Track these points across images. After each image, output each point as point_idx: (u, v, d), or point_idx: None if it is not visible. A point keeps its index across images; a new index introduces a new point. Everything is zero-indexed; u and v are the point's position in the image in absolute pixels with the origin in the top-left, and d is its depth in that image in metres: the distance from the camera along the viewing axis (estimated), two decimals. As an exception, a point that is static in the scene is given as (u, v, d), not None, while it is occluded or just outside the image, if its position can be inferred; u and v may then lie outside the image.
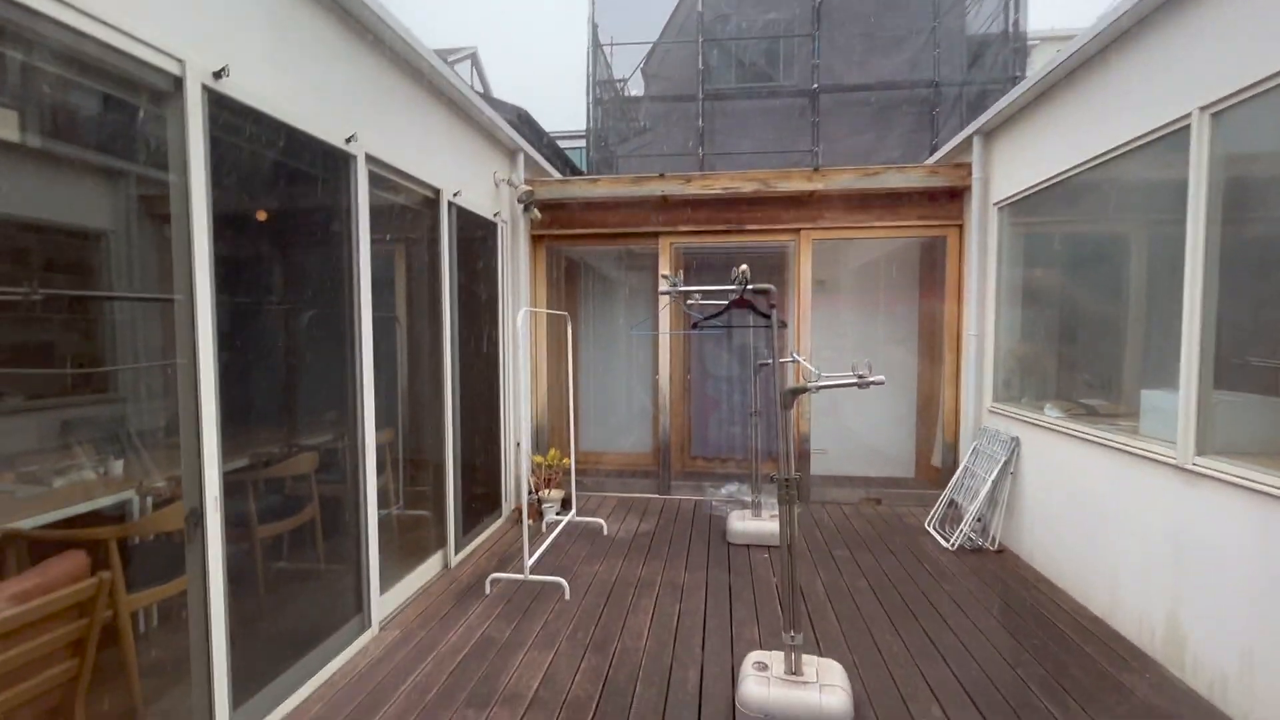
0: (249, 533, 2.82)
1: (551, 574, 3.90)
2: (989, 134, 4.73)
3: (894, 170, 5.17)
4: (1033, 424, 4.14)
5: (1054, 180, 3.90)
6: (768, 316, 2.56)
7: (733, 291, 2.65)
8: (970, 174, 4.87)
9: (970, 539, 4.38)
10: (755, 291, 2.60)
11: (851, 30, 10.13)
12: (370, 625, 3.18)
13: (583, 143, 15.78)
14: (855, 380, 2.48)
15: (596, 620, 3.37)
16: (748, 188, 5.31)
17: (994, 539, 4.38)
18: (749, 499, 4.94)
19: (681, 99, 10.75)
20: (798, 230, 5.48)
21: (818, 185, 5.20)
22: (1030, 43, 10.47)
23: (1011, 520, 4.35)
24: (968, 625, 3.30)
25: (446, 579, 3.92)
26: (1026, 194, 4.25)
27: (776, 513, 4.70)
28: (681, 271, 2.71)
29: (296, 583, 3.13)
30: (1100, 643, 3.11)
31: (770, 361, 4.78)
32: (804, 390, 2.46)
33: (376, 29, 3.17)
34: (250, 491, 2.79)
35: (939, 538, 4.58)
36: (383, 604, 3.33)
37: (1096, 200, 3.77)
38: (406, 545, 3.92)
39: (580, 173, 12.07)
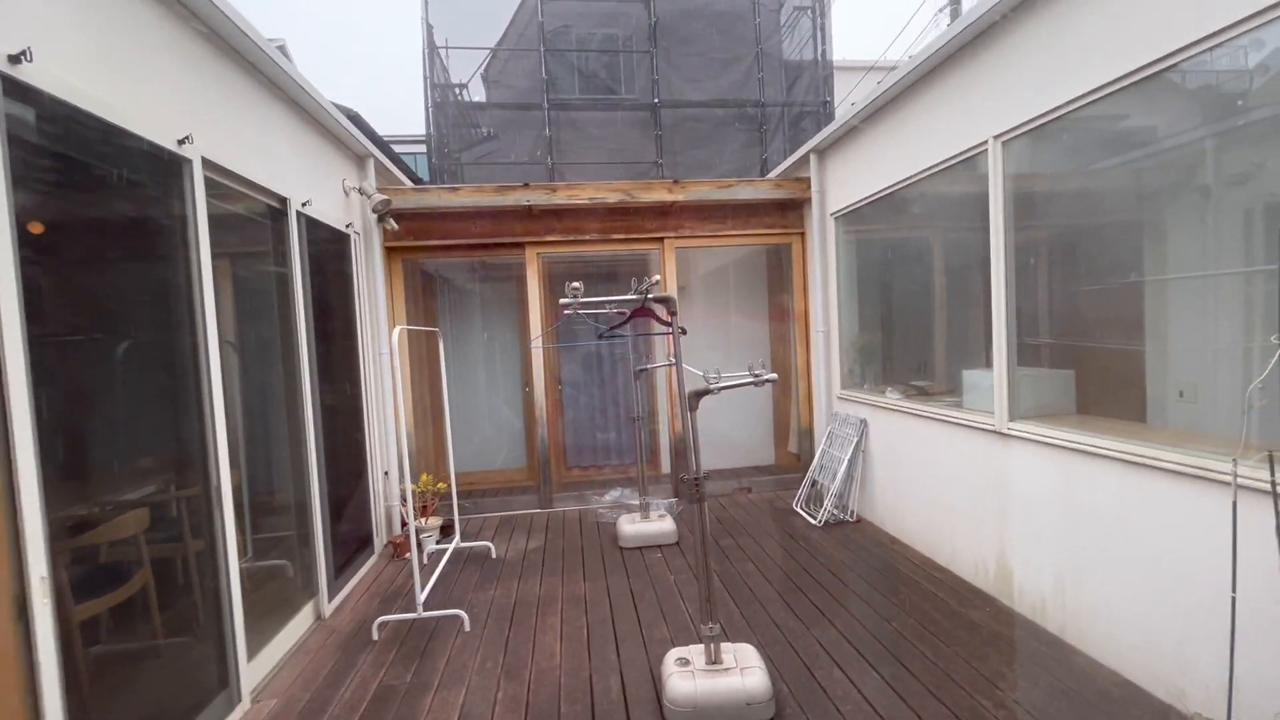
0: (67, 615, 2.31)
1: (445, 607, 3.67)
2: (822, 152, 5.32)
3: (745, 183, 5.61)
4: (876, 406, 4.73)
5: (881, 194, 4.50)
6: (669, 324, 2.67)
7: (635, 301, 2.71)
8: (809, 187, 5.44)
9: (833, 514, 4.88)
10: (656, 300, 2.70)
11: (685, 50, 10.77)
12: (241, 699, 2.76)
13: (420, 148, 15.00)
14: (752, 379, 2.67)
15: (504, 647, 3.24)
16: (612, 198, 5.43)
17: (852, 511, 4.93)
18: (636, 502, 5.04)
19: (527, 107, 10.66)
20: (661, 239, 5.71)
21: (678, 196, 5.47)
22: (836, 69, 11.87)
23: (865, 493, 4.92)
24: (844, 590, 3.68)
25: (324, 631, 3.52)
26: (858, 205, 4.85)
27: (665, 512, 4.86)
28: (581, 284, 2.70)
29: (140, 666, 2.62)
30: (949, 588, 3.65)
31: (647, 367, 4.94)
32: (708, 392, 2.60)
33: (204, 12, 2.77)
34: (73, 561, 2.28)
35: (807, 516, 5.04)
36: (252, 672, 2.90)
37: (917, 210, 4.42)
38: (268, 601, 3.44)
39: (420, 181, 11.44)
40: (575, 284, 2.77)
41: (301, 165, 3.87)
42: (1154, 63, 2.46)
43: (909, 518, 4.36)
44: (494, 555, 4.60)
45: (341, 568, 4.07)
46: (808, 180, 5.46)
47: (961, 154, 3.59)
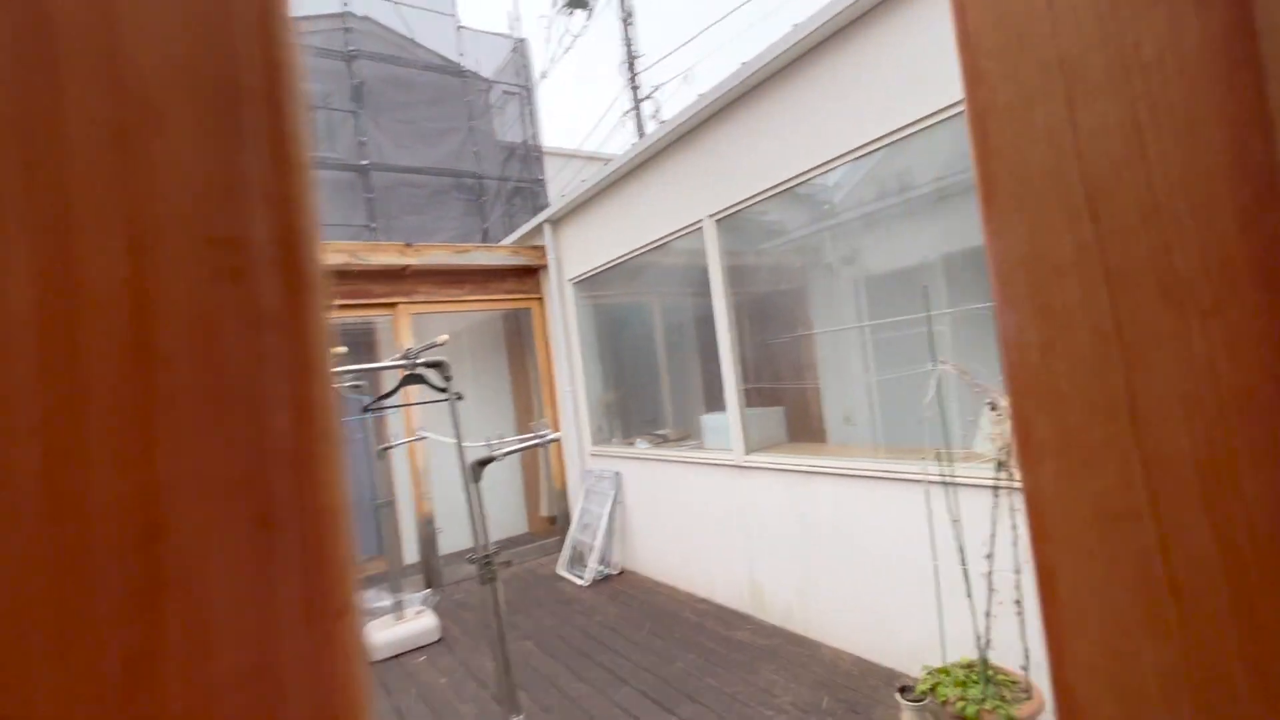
0: None
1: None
2: (556, 222, 5.63)
3: (482, 249, 5.59)
4: (628, 458, 5.02)
5: (614, 262, 4.93)
6: (443, 390, 2.43)
7: (403, 366, 2.41)
8: (546, 255, 5.67)
9: (599, 570, 4.94)
10: (429, 365, 2.44)
11: (395, 116, 10.45)
12: None
13: None
14: (537, 440, 2.60)
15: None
16: (334, 259, 4.85)
17: (617, 564, 5.06)
18: (386, 603, 4.36)
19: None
20: (394, 305, 5.28)
21: (412, 260, 5.16)
22: (546, 153, 12.81)
23: (627, 544, 5.11)
24: (625, 644, 3.72)
25: None
26: (594, 273, 5.22)
27: (422, 607, 4.32)
28: (344, 349, 2.30)
29: None
30: (714, 616, 3.96)
31: (394, 444, 4.43)
32: (491, 459, 2.43)
33: None
34: None
35: (573, 578, 5.00)
36: None
37: (648, 276, 4.94)
38: None
39: None
40: (340, 348, 2.36)
41: None
42: (783, 182, 3.27)
43: (670, 559, 4.65)
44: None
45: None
46: (544, 248, 5.70)
47: (683, 229, 4.17)
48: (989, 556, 2.06)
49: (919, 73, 2.67)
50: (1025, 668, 2.08)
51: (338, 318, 5.09)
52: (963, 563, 2.21)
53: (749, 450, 3.88)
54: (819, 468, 3.37)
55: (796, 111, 3.28)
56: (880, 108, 2.85)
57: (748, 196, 3.62)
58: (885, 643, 3.08)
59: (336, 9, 9.99)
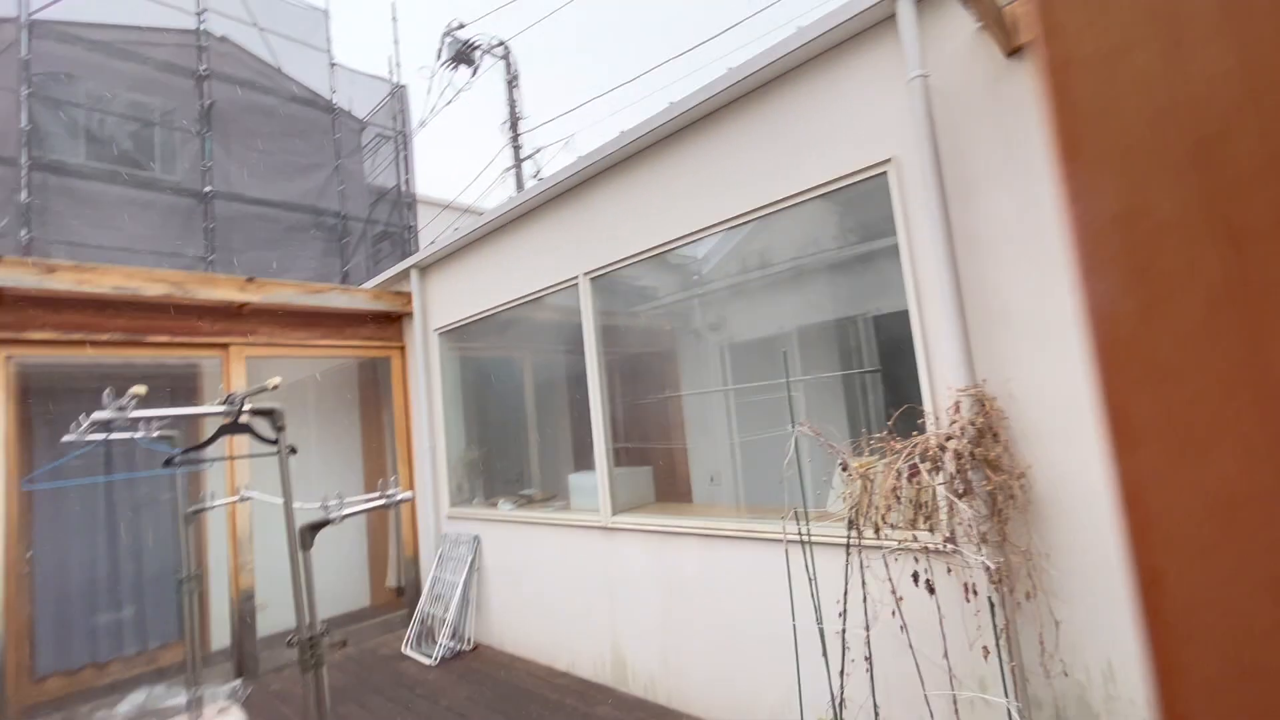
0: None
1: None
2: (425, 269, 5.37)
3: (340, 291, 5.16)
4: (489, 520, 4.71)
5: (485, 313, 4.76)
6: (274, 442, 2.11)
7: (222, 413, 2.05)
8: (411, 302, 5.36)
9: (449, 647, 4.49)
10: (257, 413, 2.11)
11: (252, 145, 9.64)
12: None
13: None
14: (384, 501, 2.34)
15: None
16: (153, 290, 4.22)
17: (469, 639, 4.63)
18: (181, 699, 3.62)
19: (-11, 159, 7.62)
20: (226, 345, 4.67)
21: (253, 297, 4.63)
22: (419, 202, 12.40)
23: (482, 615, 4.71)
24: (477, 731, 3.36)
25: None
26: (463, 323, 5.00)
27: (227, 701, 3.65)
28: (144, 389, 1.88)
29: None
30: (574, 692, 3.72)
31: (208, 505, 3.80)
32: (326, 523, 2.14)
33: None
34: None
35: (420, 658, 4.49)
36: None
37: (518, 331, 4.81)
38: None
39: None
40: (138, 388, 1.97)
41: None
42: (655, 247, 3.42)
43: (530, 631, 4.35)
44: None
45: None
46: (409, 294, 5.39)
47: (558, 285, 4.14)
48: (842, 614, 2.12)
49: (785, 155, 2.92)
50: (875, 726, 2.13)
51: (152, 356, 4.39)
52: (818, 621, 2.26)
53: (616, 511, 3.80)
54: (683, 528, 3.36)
55: (672, 181, 3.45)
56: (748, 185, 3.07)
57: (624, 257, 3.70)
58: (749, 707, 3.04)
59: (190, 25, 9.19)
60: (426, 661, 4.40)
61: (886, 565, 2.07)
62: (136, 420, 2.04)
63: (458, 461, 5.24)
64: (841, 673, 2.07)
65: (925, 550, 2.06)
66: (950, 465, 2.04)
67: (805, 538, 2.35)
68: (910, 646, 2.05)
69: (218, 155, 9.23)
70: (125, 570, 4.85)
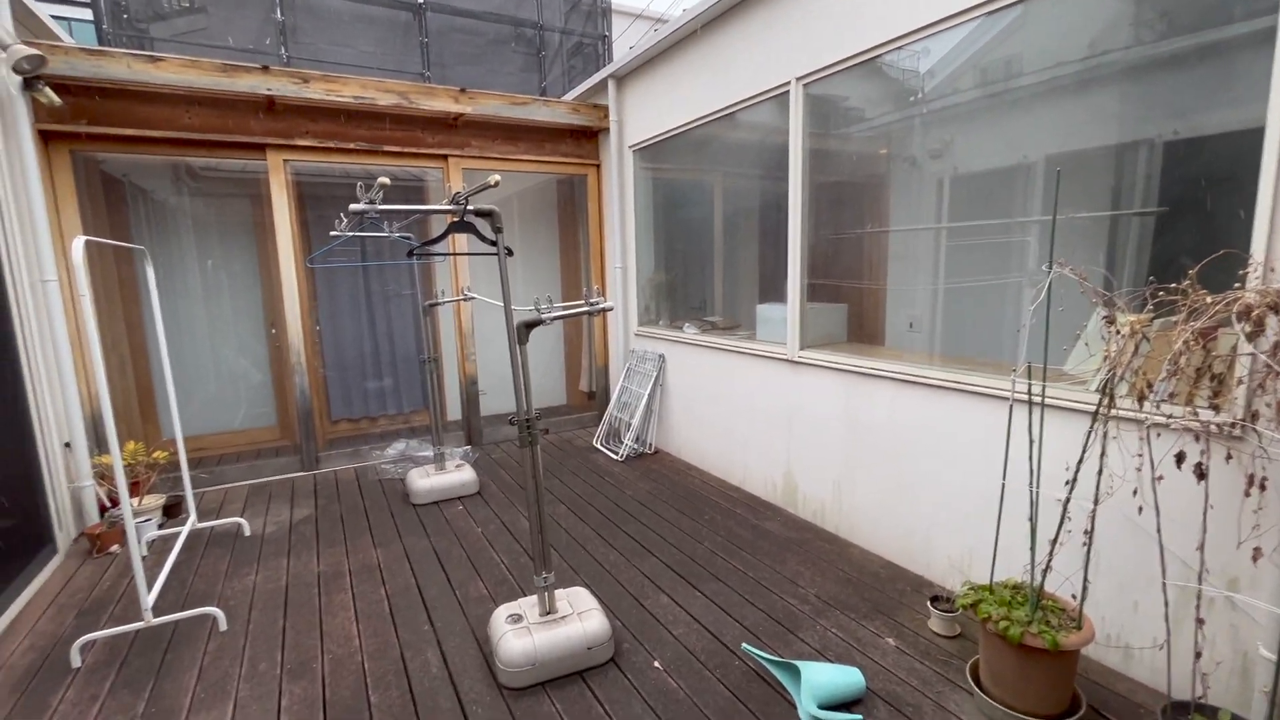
0: None
1: (188, 606, 2.87)
2: (621, 79, 5.12)
3: (540, 103, 5.17)
4: (675, 342, 4.88)
5: (682, 128, 4.49)
6: (494, 242, 2.26)
7: (450, 211, 2.23)
8: (608, 116, 5.22)
9: (634, 448, 4.99)
10: (477, 213, 2.26)
11: (454, -53, 9.50)
12: None
13: (78, 13, 11.08)
14: (587, 308, 2.45)
15: (281, 641, 2.64)
16: (384, 100, 4.56)
17: (651, 444, 5.10)
18: (428, 453, 4.53)
19: (248, -23, 8.44)
20: (445, 157, 5.02)
21: (465, 108, 4.82)
22: (615, 10, 11.62)
23: (663, 425, 5.11)
24: (656, 519, 3.78)
25: (-19, 671, 2.48)
26: (658, 139, 4.80)
27: (462, 461, 4.47)
28: (387, 181, 2.12)
29: None
30: (744, 504, 3.98)
31: (440, 301, 4.37)
32: (539, 323, 2.30)
33: None
34: None
35: (608, 452, 5.08)
36: None
37: (714, 150, 4.51)
38: None
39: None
40: (384, 179, 2.19)
41: None
42: (895, 39, 2.72)
43: (705, 446, 4.64)
44: (248, 532, 3.75)
45: (3, 579, 2.91)
46: (606, 108, 5.24)
47: (766, 93, 3.70)
48: (1070, 483, 1.88)
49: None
50: (1079, 599, 1.97)
51: (388, 165, 4.89)
52: (1033, 485, 2.04)
53: (804, 345, 3.68)
54: (878, 370, 3.16)
55: (925, -51, 2.72)
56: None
57: (851, 54, 3.12)
58: (919, 552, 3.02)
59: None
60: (614, 456, 4.97)
61: (1146, 441, 1.75)
62: (383, 213, 2.28)
63: (646, 282, 5.38)
64: (1054, 541, 1.89)
65: (1205, 429, 1.68)
66: (1276, 331, 1.57)
67: (1038, 398, 2.05)
68: (1158, 531, 1.78)
69: (426, -38, 9.26)
70: (383, 348, 5.94)
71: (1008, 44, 3.15)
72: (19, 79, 3.35)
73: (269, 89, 4.18)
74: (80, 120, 3.86)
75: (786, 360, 3.75)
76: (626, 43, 12.21)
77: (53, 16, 4.12)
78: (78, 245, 2.40)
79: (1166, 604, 1.85)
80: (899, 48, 2.93)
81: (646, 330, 5.26)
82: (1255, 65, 2.01)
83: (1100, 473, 1.85)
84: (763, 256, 4.74)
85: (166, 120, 4.10)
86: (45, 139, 3.80)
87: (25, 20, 3.70)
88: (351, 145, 4.64)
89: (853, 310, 4.28)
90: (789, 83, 3.50)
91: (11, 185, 3.40)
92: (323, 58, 8.78)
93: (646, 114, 4.90)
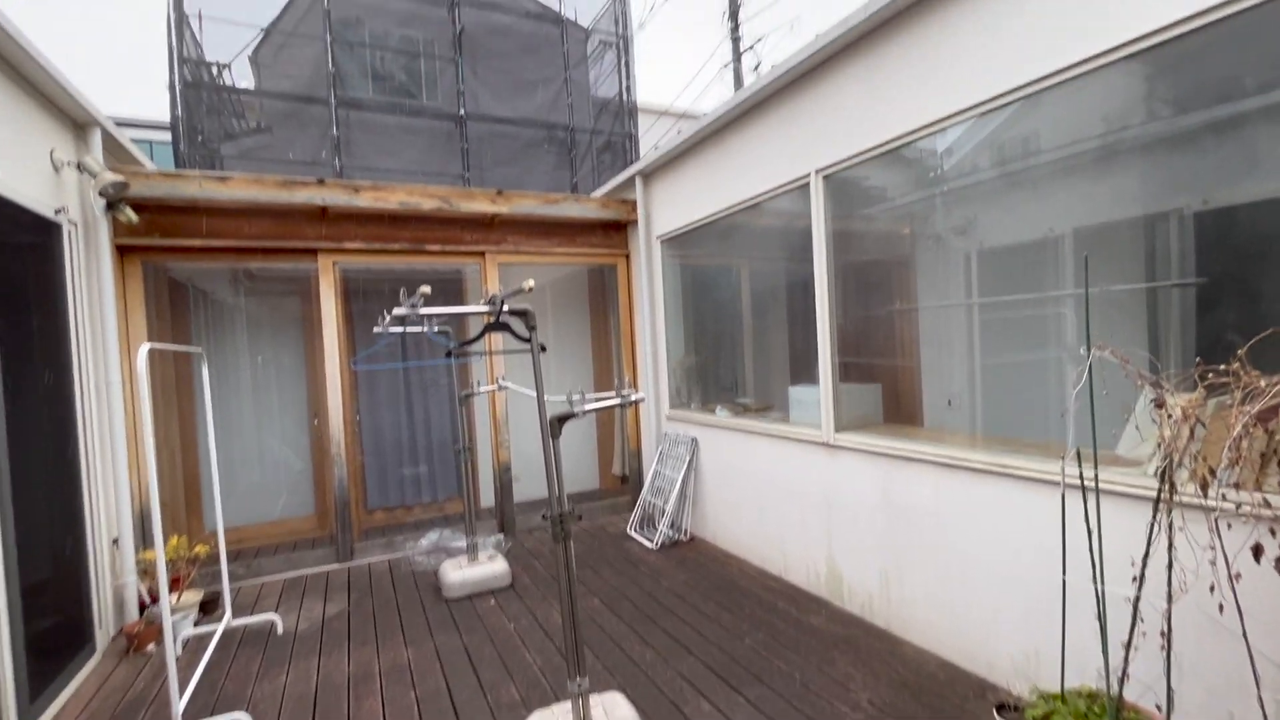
0: None
1: (218, 710, 2.81)
2: (648, 176, 5.41)
3: (572, 200, 5.46)
4: (707, 425, 4.85)
5: (706, 220, 4.67)
6: (528, 340, 2.34)
7: (486, 312, 2.34)
8: (635, 209, 5.48)
9: (668, 535, 4.86)
10: (513, 313, 2.36)
11: (492, 65, 10.42)
12: None
13: (158, 135, 12.36)
14: (619, 400, 2.47)
15: (308, 750, 2.55)
16: (428, 204, 4.88)
17: (686, 531, 4.97)
18: (461, 544, 4.49)
19: (309, 100, 9.36)
20: (482, 253, 5.29)
21: (502, 208, 5.12)
22: (639, 108, 12.45)
23: (698, 511, 4.99)
24: (693, 614, 3.62)
25: (11, 783, 2.44)
26: (684, 230, 4.99)
27: (494, 552, 4.41)
28: (429, 289, 2.26)
29: None
30: (787, 596, 3.79)
31: (477, 391, 4.47)
32: (571, 416, 2.33)
33: None
34: None
35: (642, 540, 4.95)
36: None
37: (739, 237, 4.66)
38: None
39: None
40: (425, 288, 2.32)
41: (-18, 120, 2.78)
42: (909, 133, 2.84)
43: (742, 532, 4.50)
44: (281, 630, 3.71)
45: (45, 679, 2.91)
46: (634, 202, 5.50)
47: (787, 185, 3.85)
48: (1138, 580, 1.75)
49: (1068, 16, 2.23)
50: (1164, 710, 1.79)
51: (429, 263, 5.16)
52: (1097, 580, 1.91)
53: (839, 428, 3.61)
54: (919, 454, 3.07)
55: (933, 50, 2.88)
56: (1036, 45, 2.43)
57: (866, 148, 3.26)
58: (978, 650, 2.81)
59: (442, -45, 9.97)
60: (648, 544, 4.84)
61: (1216, 532, 1.64)
62: (424, 316, 2.40)
63: (677, 365, 5.42)
64: (1129, 645, 1.74)
65: (1280, 520, 1.57)
66: (1343, 414, 1.49)
67: (1091, 483, 1.96)
68: (1244, 635, 1.63)
69: (467, 78, 10.16)
70: (420, 435, 6.04)
71: (1023, 123, 3.25)
72: (103, 201, 3.71)
73: (323, 200, 4.54)
74: (154, 234, 4.22)
75: (822, 444, 3.68)
76: (654, 137, 12.97)
77: (134, 140, 4.59)
78: (142, 353, 2.56)
79: (1265, 717, 1.66)
80: (912, 141, 3.05)
81: (678, 413, 5.25)
82: (1275, 136, 2.02)
83: (1170, 567, 1.73)
84: (792, 337, 4.76)
85: (230, 230, 4.45)
86: (121, 252, 4.15)
87: (112, 148, 4.14)
88: (396, 246, 4.94)
89: (887, 389, 4.22)
90: (809, 174, 3.65)
91: (87, 296, 3.69)
92: (373, 165, 9.54)
93: (672, 207, 5.12)
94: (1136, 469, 2.17)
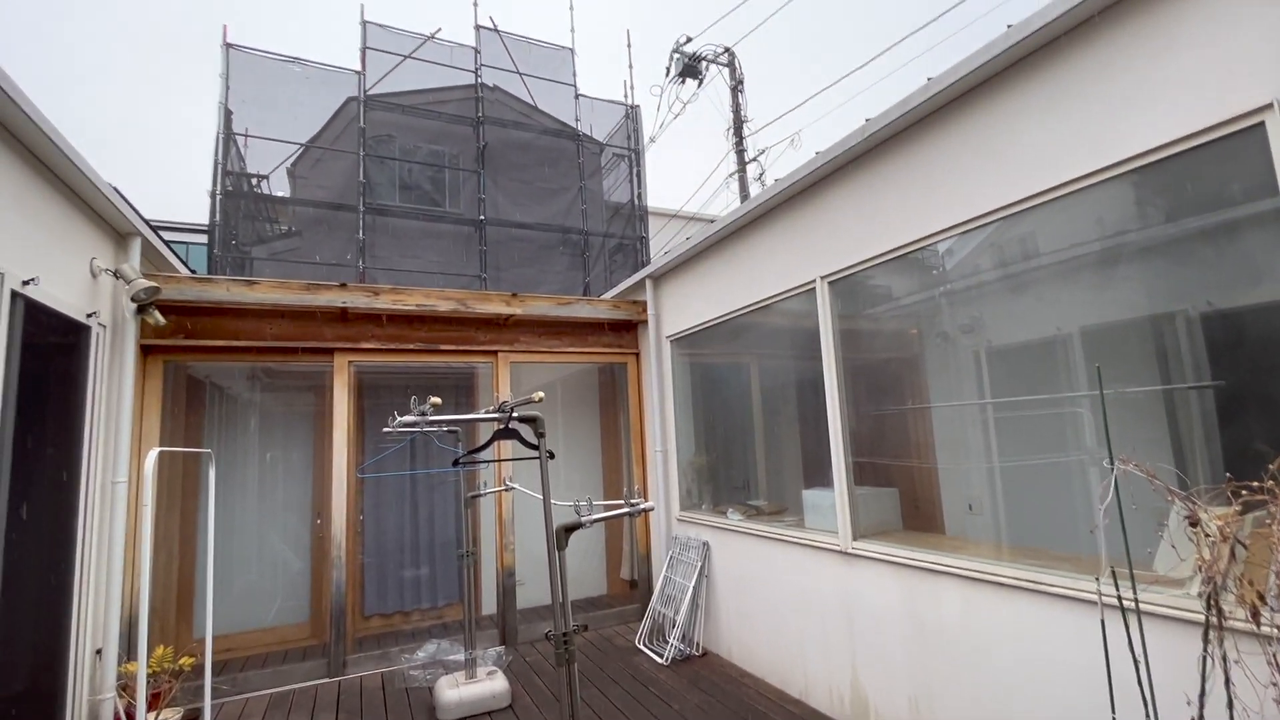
0: None
1: None
2: (658, 278, 5.58)
3: (584, 302, 5.62)
4: (719, 528, 4.69)
5: (715, 321, 4.76)
6: (535, 446, 2.33)
7: (495, 419, 2.34)
8: (645, 310, 5.61)
9: (679, 649, 4.57)
10: (522, 420, 2.36)
11: (512, 175, 11.12)
12: None
13: (193, 237, 13.08)
14: (628, 509, 2.41)
15: None
16: (444, 306, 5.03)
17: (698, 644, 4.67)
18: (459, 657, 4.23)
19: (338, 207, 9.95)
20: (495, 352, 5.38)
21: (515, 310, 5.26)
22: (649, 212, 13.10)
23: (710, 621, 4.72)
24: (708, 743, 3.32)
25: None
26: (693, 331, 5.07)
27: (494, 667, 4.15)
28: (439, 400, 2.28)
29: None
30: (808, 724, 3.49)
31: (482, 492, 4.39)
32: (579, 526, 2.26)
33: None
34: None
35: (651, 654, 4.65)
36: None
37: (748, 338, 4.72)
38: None
39: (194, 273, 9.82)
40: (435, 400, 2.34)
41: (27, 231, 2.95)
42: (909, 244, 2.95)
43: (757, 647, 4.22)
44: (261, 756, 3.43)
45: (-3, 817, 2.67)
46: (644, 303, 5.65)
47: (792, 290, 3.95)
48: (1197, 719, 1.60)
49: (1085, 124, 2.37)
50: None
51: (442, 362, 5.24)
52: (1151, 715, 1.74)
53: (857, 535, 3.47)
54: (942, 566, 2.92)
55: (927, 170, 3.03)
56: (1026, 166, 2.55)
57: (868, 258, 3.37)
58: (1027, 795, 2.52)
59: (469, 81, 10.92)
60: (658, 659, 4.54)
61: (1276, 667, 1.50)
62: (432, 421, 2.40)
63: (687, 465, 5.33)
64: (1195, 798, 1.55)
65: (1345, 654, 1.45)
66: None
67: (1131, 603, 1.83)
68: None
69: (488, 188, 10.81)
70: (423, 536, 5.87)
71: (1021, 224, 3.34)
72: (134, 305, 3.86)
73: (344, 302, 4.69)
74: (179, 335, 4.35)
75: (839, 552, 3.53)
76: (664, 237, 13.54)
77: (169, 242, 4.83)
78: (151, 458, 2.56)
79: None
80: (912, 251, 3.15)
81: (689, 515, 5.10)
82: (1268, 242, 2.06)
83: (1230, 705, 1.58)
84: (804, 436, 4.69)
85: (252, 331, 4.58)
86: (145, 352, 4.26)
87: (149, 253, 4.35)
88: (411, 346, 5.04)
89: (905, 492, 4.09)
90: (814, 280, 3.74)
91: (107, 396, 3.75)
92: (395, 266, 9.97)
93: (681, 308, 5.24)
94: (1178, 589, 2.04)
